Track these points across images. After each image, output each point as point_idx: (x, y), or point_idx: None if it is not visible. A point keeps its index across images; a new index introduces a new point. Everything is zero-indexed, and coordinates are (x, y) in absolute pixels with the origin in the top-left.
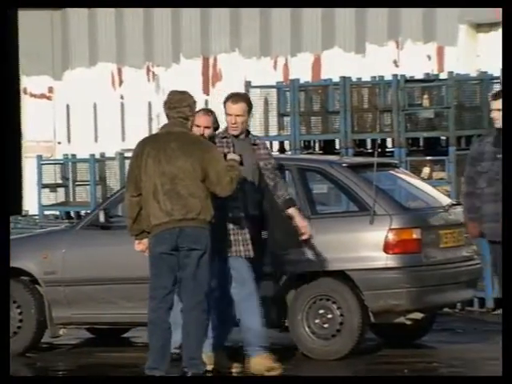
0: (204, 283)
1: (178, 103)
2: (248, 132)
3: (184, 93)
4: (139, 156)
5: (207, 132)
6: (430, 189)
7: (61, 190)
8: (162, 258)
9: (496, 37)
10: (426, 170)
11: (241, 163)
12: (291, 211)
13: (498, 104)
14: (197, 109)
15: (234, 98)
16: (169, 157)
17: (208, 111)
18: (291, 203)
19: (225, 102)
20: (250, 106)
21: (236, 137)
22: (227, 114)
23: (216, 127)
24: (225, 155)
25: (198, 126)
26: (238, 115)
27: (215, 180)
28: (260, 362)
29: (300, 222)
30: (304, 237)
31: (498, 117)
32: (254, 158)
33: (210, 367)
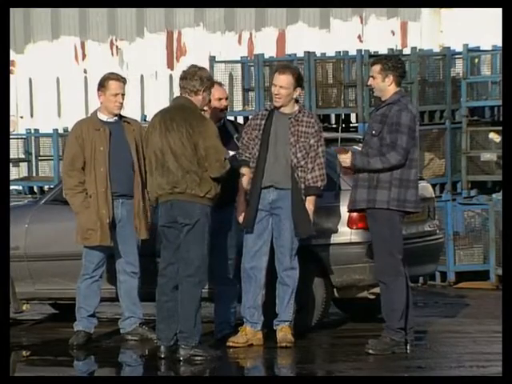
0: (194, 258)
1: (189, 77)
2: (302, 107)
3: (196, 66)
4: (148, 130)
5: (225, 103)
6: None
7: (24, 165)
8: (161, 231)
9: (459, 12)
10: None
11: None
12: (307, 200)
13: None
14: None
15: (281, 68)
16: (163, 130)
17: (220, 83)
18: (311, 192)
19: (274, 73)
20: (297, 80)
21: (278, 109)
22: (273, 85)
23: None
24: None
25: (220, 98)
26: (281, 86)
27: (203, 155)
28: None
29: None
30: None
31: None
32: (288, 133)
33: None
